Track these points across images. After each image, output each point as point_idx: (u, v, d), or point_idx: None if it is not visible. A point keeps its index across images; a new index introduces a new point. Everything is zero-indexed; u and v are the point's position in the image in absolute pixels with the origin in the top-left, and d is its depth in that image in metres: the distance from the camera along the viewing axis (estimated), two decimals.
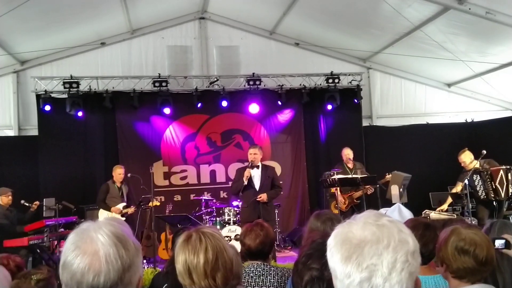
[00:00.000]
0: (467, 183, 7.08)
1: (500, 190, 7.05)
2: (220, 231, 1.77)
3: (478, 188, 7.19)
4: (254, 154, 7.22)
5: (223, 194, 10.03)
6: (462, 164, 7.43)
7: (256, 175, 7.19)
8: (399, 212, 3.31)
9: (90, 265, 1.22)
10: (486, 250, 2.04)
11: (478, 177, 7.21)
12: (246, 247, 3.12)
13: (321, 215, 3.18)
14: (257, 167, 7.21)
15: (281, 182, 7.98)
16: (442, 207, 7.75)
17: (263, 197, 7.00)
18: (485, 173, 7.14)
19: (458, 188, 7.40)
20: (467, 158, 7.37)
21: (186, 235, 1.79)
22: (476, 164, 7.29)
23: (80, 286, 1.23)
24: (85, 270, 1.22)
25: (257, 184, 7.15)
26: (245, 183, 7.05)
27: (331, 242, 1.22)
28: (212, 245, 1.72)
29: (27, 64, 9.97)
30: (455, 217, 7.29)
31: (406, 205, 7.53)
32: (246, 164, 7.52)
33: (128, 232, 1.32)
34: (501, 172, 7.07)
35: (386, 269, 1.12)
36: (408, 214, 3.35)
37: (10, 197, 7.70)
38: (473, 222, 6.92)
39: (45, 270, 2.58)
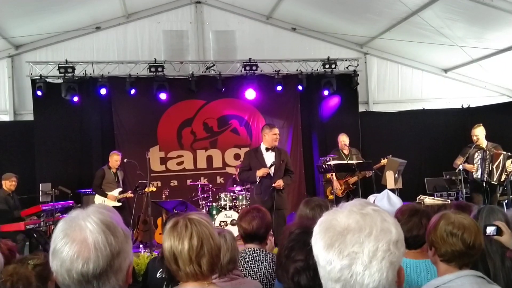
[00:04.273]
0: (461, 169, 7.17)
1: (495, 173, 7.21)
2: (209, 218, 1.79)
3: (475, 166, 7.37)
4: (279, 135, 6.42)
5: (219, 180, 10.05)
6: (474, 138, 7.41)
7: (270, 158, 6.42)
8: (388, 199, 3.33)
9: (79, 253, 1.24)
10: (474, 234, 2.09)
11: (480, 155, 7.35)
12: (242, 229, 3.15)
13: (310, 202, 3.21)
14: (272, 149, 6.41)
15: None
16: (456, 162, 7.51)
17: (279, 183, 6.25)
18: (488, 152, 7.29)
19: (458, 162, 7.45)
20: (480, 132, 7.39)
21: (173, 222, 1.81)
22: (484, 143, 7.40)
23: (70, 274, 1.25)
24: (74, 257, 1.24)
25: (271, 168, 6.36)
26: (258, 181, 6.26)
27: (316, 229, 1.23)
28: (197, 232, 1.73)
29: (21, 48, 9.89)
30: (449, 202, 7.35)
31: (401, 190, 7.61)
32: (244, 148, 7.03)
33: (117, 219, 1.34)
34: (501, 156, 7.21)
35: (366, 257, 1.13)
36: (397, 201, 3.37)
37: (14, 183, 7.68)
38: None
39: (42, 255, 2.60)
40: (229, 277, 2.52)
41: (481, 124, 7.51)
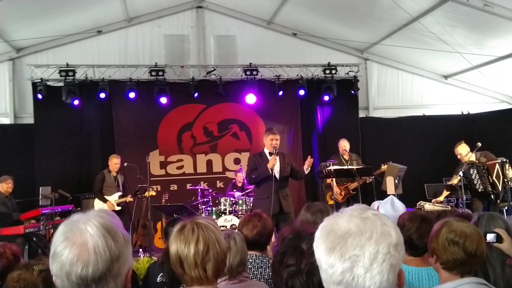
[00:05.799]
0: (461, 175, 7.14)
1: (497, 183, 7.12)
2: (217, 222, 1.78)
3: (475, 182, 7.27)
4: (276, 140, 6.36)
5: (219, 184, 10.05)
6: (459, 157, 7.44)
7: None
8: (391, 205, 3.33)
9: (79, 256, 1.24)
10: (476, 242, 2.08)
11: (475, 171, 7.25)
12: (244, 236, 3.14)
13: (311, 207, 3.21)
14: (275, 154, 6.32)
15: None
16: (438, 199, 7.78)
17: (308, 162, 6.32)
18: (482, 167, 7.19)
19: (454, 181, 7.44)
20: (463, 150, 7.39)
21: (180, 225, 1.81)
22: (472, 156, 7.32)
23: (69, 277, 1.25)
24: (73, 261, 1.24)
25: (276, 172, 6.30)
26: (271, 172, 6.21)
27: (317, 234, 1.26)
28: (204, 237, 1.74)
29: (23, 51, 9.90)
30: (449, 208, 7.33)
31: (401, 196, 7.60)
32: (259, 152, 6.77)
33: (117, 223, 1.33)
34: (497, 166, 7.14)
35: (367, 260, 1.15)
36: (400, 207, 3.38)
37: (10, 185, 7.68)
38: None
39: (47, 261, 2.57)
40: (238, 279, 2.54)
41: (463, 142, 7.50)
